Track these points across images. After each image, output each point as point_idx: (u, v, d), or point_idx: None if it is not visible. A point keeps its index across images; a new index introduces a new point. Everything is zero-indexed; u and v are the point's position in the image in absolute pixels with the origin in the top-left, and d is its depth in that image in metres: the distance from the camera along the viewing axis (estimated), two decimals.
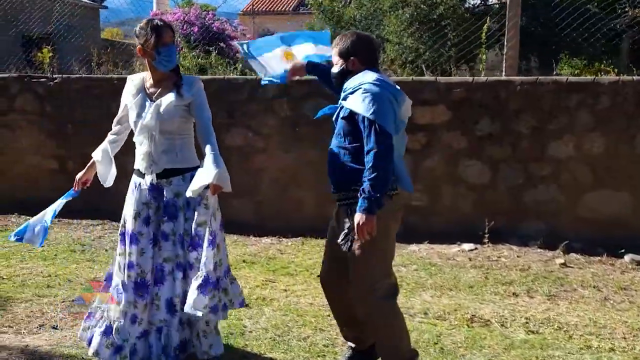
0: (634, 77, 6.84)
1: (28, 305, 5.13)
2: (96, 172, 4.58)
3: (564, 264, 6.28)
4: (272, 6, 37.67)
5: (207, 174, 3.72)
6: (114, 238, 7.24)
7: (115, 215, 7.85)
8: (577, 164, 6.88)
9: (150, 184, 4.09)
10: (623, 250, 6.52)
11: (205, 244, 3.79)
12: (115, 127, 4.50)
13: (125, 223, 4.24)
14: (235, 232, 7.34)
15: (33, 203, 8.06)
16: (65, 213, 7.88)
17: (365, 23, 22.65)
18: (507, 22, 7.54)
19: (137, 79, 4.16)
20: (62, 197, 4.62)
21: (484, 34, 8.15)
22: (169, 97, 3.97)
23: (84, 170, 4.54)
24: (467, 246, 6.82)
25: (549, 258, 6.50)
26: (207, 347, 4.05)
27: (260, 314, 5.00)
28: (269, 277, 5.95)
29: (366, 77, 3.66)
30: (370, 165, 3.49)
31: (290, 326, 4.76)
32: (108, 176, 4.63)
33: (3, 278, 5.80)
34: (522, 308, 5.20)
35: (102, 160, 4.50)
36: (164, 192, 4.06)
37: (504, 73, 7.59)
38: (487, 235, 6.83)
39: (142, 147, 4.16)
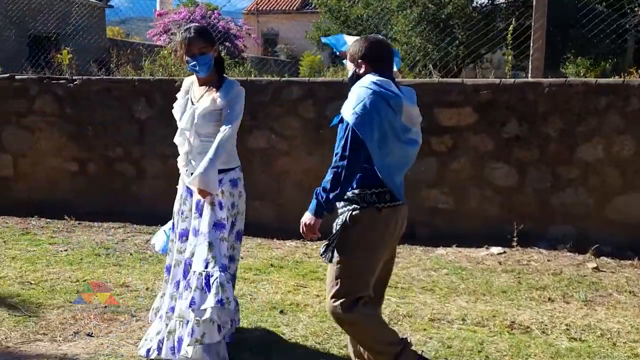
0: None
1: (60, 311, 5.05)
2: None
3: (596, 268, 6.21)
4: (276, 5, 37.58)
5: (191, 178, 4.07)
6: (137, 241, 7.20)
7: (135, 217, 7.88)
8: (606, 167, 6.80)
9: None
10: None
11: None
12: None
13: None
14: (259, 235, 7.27)
15: (53, 205, 8.12)
16: (84, 215, 7.93)
17: (372, 22, 22.60)
18: (533, 24, 7.47)
19: (188, 82, 4.40)
20: None
21: (509, 35, 8.08)
22: (205, 102, 4.19)
23: None
24: (495, 250, 6.75)
25: (580, 262, 6.43)
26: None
27: (296, 321, 4.92)
28: (299, 281, 5.87)
29: (363, 81, 3.53)
30: (330, 167, 3.44)
31: (329, 334, 4.67)
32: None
33: (31, 283, 5.72)
34: (560, 314, 5.12)
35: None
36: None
37: (529, 75, 7.52)
38: (515, 239, 6.76)
39: (181, 148, 4.41)
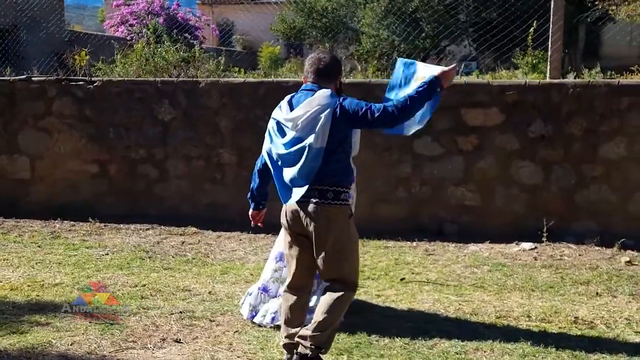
0: None
1: (138, 318, 5.09)
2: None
3: (629, 262, 6.53)
4: None
5: None
6: (172, 243, 7.26)
7: (160, 218, 7.93)
8: (628, 164, 7.13)
9: None
10: None
11: None
12: None
13: None
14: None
15: (74, 208, 8.10)
16: (108, 217, 7.93)
17: (337, 14, 22.73)
18: (551, 26, 7.73)
19: None
20: None
21: (529, 37, 8.34)
22: None
23: None
24: (526, 245, 7.02)
25: (610, 256, 6.75)
26: None
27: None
28: None
29: None
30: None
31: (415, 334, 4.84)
32: None
33: (90, 289, 5.74)
34: (614, 308, 5.39)
35: None
36: None
37: (548, 75, 7.80)
38: (545, 235, 7.04)
39: None
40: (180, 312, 5.21)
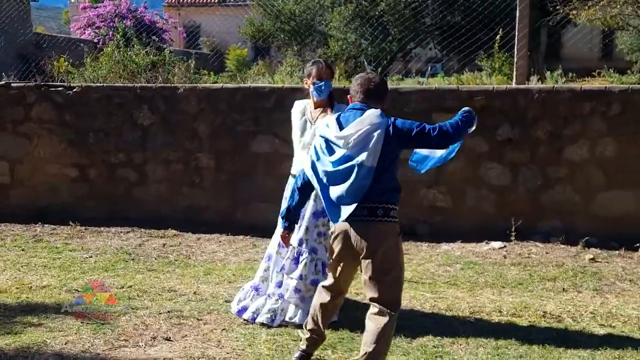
0: None
1: (128, 318, 5.28)
2: None
3: (593, 259, 6.88)
4: None
5: None
6: (154, 246, 7.44)
7: (139, 221, 8.10)
8: (591, 166, 7.48)
9: None
10: (638, 245, 7.18)
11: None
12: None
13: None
14: (264, 236, 7.61)
15: (55, 212, 8.25)
16: (88, 221, 8.09)
17: (305, 17, 22.96)
18: (516, 34, 8.07)
19: (302, 105, 5.19)
20: None
21: (496, 44, 8.67)
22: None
23: None
24: (496, 244, 7.34)
25: (575, 254, 7.10)
26: None
27: None
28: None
29: None
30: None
31: None
32: None
33: (78, 291, 5.91)
34: (580, 303, 5.72)
35: None
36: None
37: (514, 81, 8.13)
38: (513, 234, 7.37)
39: (300, 159, 5.09)
40: (168, 311, 5.42)
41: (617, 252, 7.16)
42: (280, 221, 4.60)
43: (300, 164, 4.97)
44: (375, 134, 3.92)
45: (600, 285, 6.20)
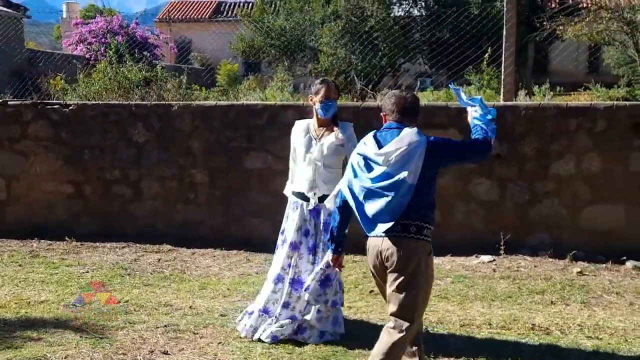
0: (627, 103, 7.70)
1: (126, 332, 5.39)
2: None
3: (580, 272, 7.03)
4: (187, 14, 37.64)
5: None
6: (149, 261, 7.55)
7: (134, 237, 8.21)
8: (577, 181, 7.65)
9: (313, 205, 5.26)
10: (624, 258, 7.35)
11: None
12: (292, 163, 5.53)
13: (284, 232, 5.43)
14: (257, 251, 7.78)
15: (51, 228, 8.36)
16: (84, 237, 8.20)
17: (295, 33, 23.17)
18: (504, 52, 8.25)
19: (304, 124, 5.35)
20: None
21: (484, 61, 8.85)
22: (330, 138, 5.20)
23: None
24: (485, 258, 7.49)
25: (563, 267, 7.25)
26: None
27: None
28: None
29: None
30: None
31: None
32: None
33: (76, 306, 6.02)
34: (568, 315, 5.86)
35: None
36: (321, 212, 5.24)
37: (502, 98, 8.31)
38: (502, 248, 7.52)
39: (305, 176, 5.26)
40: (165, 325, 5.53)
41: (604, 265, 7.31)
42: (328, 245, 4.61)
43: (304, 180, 5.22)
44: (417, 152, 3.98)
45: (587, 298, 6.34)
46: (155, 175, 8.33)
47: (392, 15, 24.82)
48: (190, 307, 6.04)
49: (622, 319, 5.80)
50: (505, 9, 8.26)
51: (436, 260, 7.36)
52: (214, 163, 8.24)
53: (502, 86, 8.36)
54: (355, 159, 4.21)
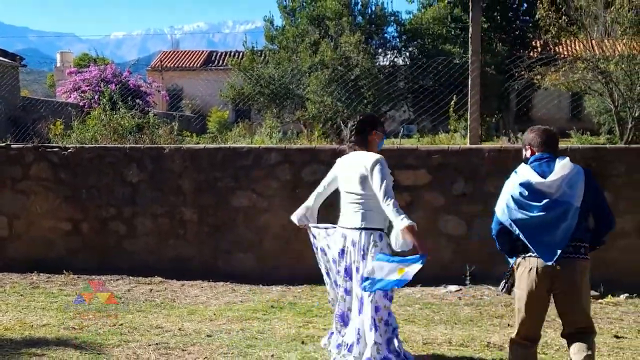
0: (580, 146, 8.41)
1: (121, 349, 6.01)
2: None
3: None
4: (180, 62, 38.63)
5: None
6: (142, 291, 8.15)
7: (128, 270, 8.82)
8: None
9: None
10: None
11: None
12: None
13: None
14: (246, 282, 8.39)
15: (50, 262, 8.97)
16: (81, 270, 8.81)
17: (284, 81, 24.01)
18: (469, 100, 9.01)
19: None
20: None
21: (451, 109, 9.59)
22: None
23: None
24: (452, 287, 8.12)
25: None
26: None
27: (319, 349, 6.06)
28: (304, 319, 7.01)
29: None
30: None
31: None
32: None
33: (75, 328, 6.62)
34: None
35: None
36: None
37: (468, 141, 9.03)
38: (468, 278, 8.16)
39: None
40: (157, 344, 6.14)
41: None
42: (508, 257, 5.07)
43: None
44: (579, 177, 4.43)
45: None
46: (148, 213, 8.97)
47: (377, 64, 25.79)
48: (180, 329, 6.64)
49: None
50: (470, 60, 9.03)
51: (407, 290, 8.06)
52: (203, 201, 8.90)
53: (468, 131, 9.08)
54: (516, 191, 4.57)
